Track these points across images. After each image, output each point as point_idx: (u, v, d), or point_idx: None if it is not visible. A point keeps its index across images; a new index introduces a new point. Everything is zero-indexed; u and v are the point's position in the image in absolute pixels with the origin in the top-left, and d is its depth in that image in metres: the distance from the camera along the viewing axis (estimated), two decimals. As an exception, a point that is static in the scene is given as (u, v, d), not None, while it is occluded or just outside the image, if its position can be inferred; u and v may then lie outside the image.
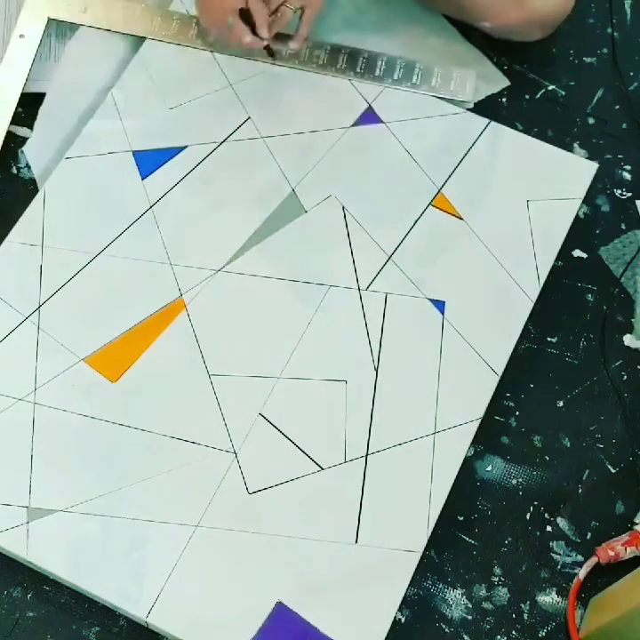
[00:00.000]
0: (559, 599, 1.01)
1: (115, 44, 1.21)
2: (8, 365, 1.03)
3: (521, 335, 1.08)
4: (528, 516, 1.04)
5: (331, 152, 1.15)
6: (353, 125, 1.16)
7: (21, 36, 1.19)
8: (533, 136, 1.18)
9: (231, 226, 1.10)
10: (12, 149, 1.17)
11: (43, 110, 1.18)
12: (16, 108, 1.18)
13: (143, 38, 1.19)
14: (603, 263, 1.16)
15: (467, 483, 1.04)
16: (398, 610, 0.96)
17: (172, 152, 1.14)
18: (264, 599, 0.95)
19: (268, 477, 0.99)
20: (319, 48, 1.20)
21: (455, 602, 1.00)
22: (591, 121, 1.23)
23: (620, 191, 1.19)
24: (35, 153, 1.16)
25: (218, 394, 1.02)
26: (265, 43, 1.11)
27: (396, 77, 1.19)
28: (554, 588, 1.01)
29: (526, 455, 1.06)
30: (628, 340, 1.12)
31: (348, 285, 1.08)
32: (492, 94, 1.23)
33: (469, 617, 1.00)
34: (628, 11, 1.30)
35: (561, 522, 1.04)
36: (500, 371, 1.05)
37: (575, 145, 1.21)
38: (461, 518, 1.03)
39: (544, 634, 0.99)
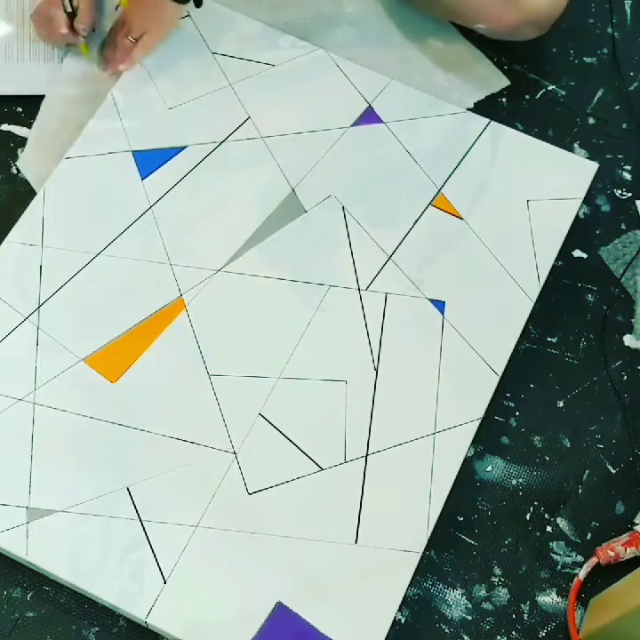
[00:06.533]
0: (559, 599, 1.01)
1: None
2: (8, 365, 1.03)
3: (521, 335, 1.08)
4: (528, 516, 1.04)
5: (331, 152, 1.15)
6: (353, 125, 1.16)
7: None
8: (533, 136, 1.18)
9: (231, 226, 1.10)
10: (12, 149, 1.17)
11: (37, 121, 1.18)
12: (16, 108, 1.19)
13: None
14: (603, 263, 1.16)
15: (467, 483, 1.04)
16: (398, 610, 0.96)
17: (172, 152, 1.14)
18: (264, 599, 0.95)
19: (267, 477, 0.99)
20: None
21: (455, 602, 1.00)
22: (591, 121, 1.23)
23: (620, 191, 1.19)
24: (29, 164, 1.16)
25: (218, 394, 1.02)
26: (81, 40, 1.18)
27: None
28: (554, 589, 1.01)
29: (526, 455, 1.06)
30: (628, 340, 1.12)
31: (348, 285, 1.08)
32: (492, 94, 1.23)
33: (469, 617, 1.00)
34: (628, 11, 1.30)
35: (561, 522, 1.04)
36: (500, 371, 1.05)
37: (575, 145, 1.21)
38: (461, 518, 1.03)
39: (544, 634, 0.99)
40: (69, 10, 1.15)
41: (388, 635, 0.94)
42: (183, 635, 0.94)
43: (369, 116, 1.17)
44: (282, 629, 0.94)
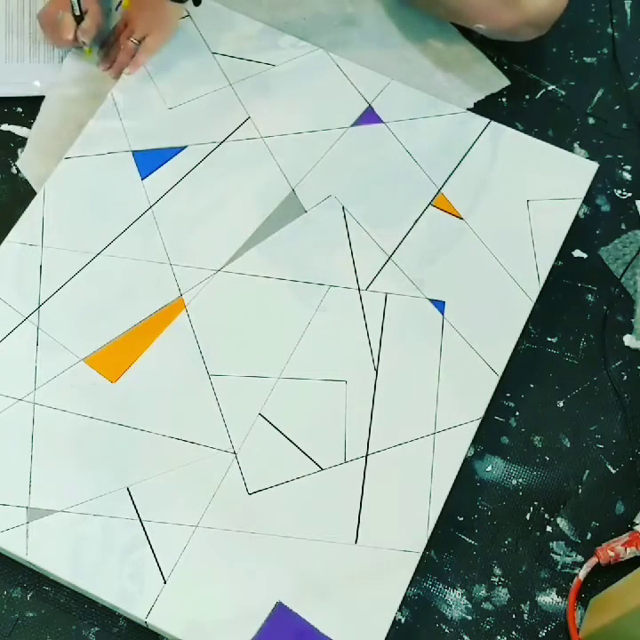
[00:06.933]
0: (559, 599, 1.01)
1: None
2: (8, 365, 1.03)
3: (521, 335, 1.08)
4: (528, 516, 1.04)
5: (331, 152, 1.15)
6: (353, 125, 1.16)
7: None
8: (533, 136, 1.18)
9: (231, 226, 1.10)
10: (12, 149, 1.17)
11: (37, 121, 1.18)
12: (16, 108, 1.19)
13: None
14: (603, 263, 1.16)
15: (467, 483, 1.04)
16: (398, 610, 0.96)
17: (172, 152, 1.14)
18: (264, 599, 0.95)
19: (267, 477, 0.99)
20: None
21: (455, 602, 1.00)
22: (591, 121, 1.23)
23: (620, 191, 1.19)
24: (29, 164, 1.16)
25: (218, 394, 1.02)
26: (86, 45, 1.18)
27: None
28: (554, 589, 1.01)
29: (526, 455, 1.06)
30: (628, 340, 1.12)
31: (348, 285, 1.08)
32: (492, 94, 1.23)
33: (469, 617, 1.00)
34: (628, 11, 1.30)
35: (561, 522, 1.04)
36: (500, 371, 1.05)
37: (575, 145, 1.21)
38: (461, 518, 1.03)
39: (544, 634, 0.99)
40: (78, 13, 1.15)
41: (388, 635, 0.94)
42: (183, 635, 0.94)
43: (369, 116, 1.17)
44: (282, 629, 0.94)
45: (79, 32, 1.15)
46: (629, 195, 1.19)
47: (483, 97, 1.23)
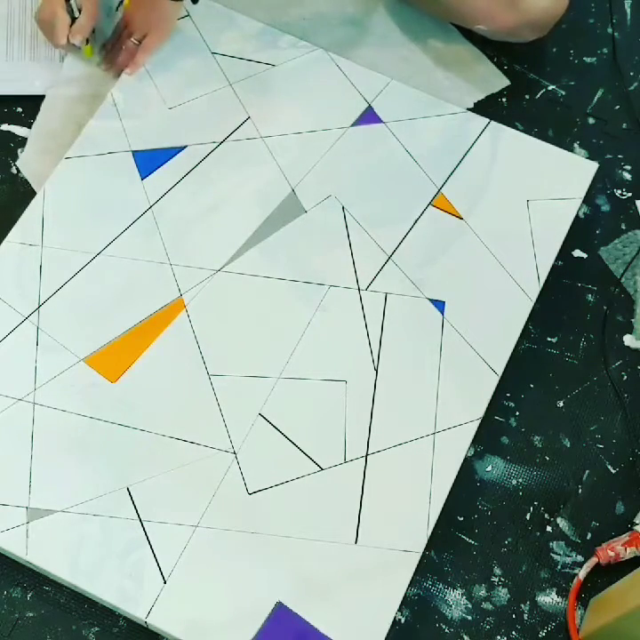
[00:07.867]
0: (559, 599, 1.01)
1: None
2: (8, 365, 1.03)
3: (521, 335, 1.08)
4: (528, 516, 1.04)
5: (330, 152, 1.15)
6: (353, 125, 1.16)
7: None
8: (533, 136, 1.18)
9: (231, 226, 1.10)
10: (12, 149, 1.17)
11: (37, 121, 1.18)
12: (16, 108, 1.19)
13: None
14: (603, 263, 1.16)
15: (467, 483, 1.04)
16: (398, 610, 0.96)
17: (172, 152, 1.14)
18: (264, 599, 0.95)
19: (267, 477, 0.99)
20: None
21: (455, 602, 1.00)
22: (591, 121, 1.23)
23: (620, 191, 1.19)
24: (29, 164, 1.16)
25: (217, 394, 1.02)
26: (78, 45, 1.16)
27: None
28: (554, 588, 1.01)
29: (526, 455, 1.06)
30: (628, 340, 1.12)
31: (348, 285, 1.08)
32: (492, 94, 1.23)
33: (469, 617, 1.00)
34: (628, 11, 1.30)
35: (561, 522, 1.04)
36: (500, 371, 1.05)
37: (575, 145, 1.21)
38: (461, 518, 1.03)
39: (544, 634, 0.99)
40: (77, 15, 1.14)
41: (388, 635, 0.94)
42: (183, 635, 0.94)
43: (369, 116, 1.17)
44: (282, 629, 0.94)
45: (70, 34, 1.14)
46: (629, 195, 1.19)
47: (483, 97, 1.23)
